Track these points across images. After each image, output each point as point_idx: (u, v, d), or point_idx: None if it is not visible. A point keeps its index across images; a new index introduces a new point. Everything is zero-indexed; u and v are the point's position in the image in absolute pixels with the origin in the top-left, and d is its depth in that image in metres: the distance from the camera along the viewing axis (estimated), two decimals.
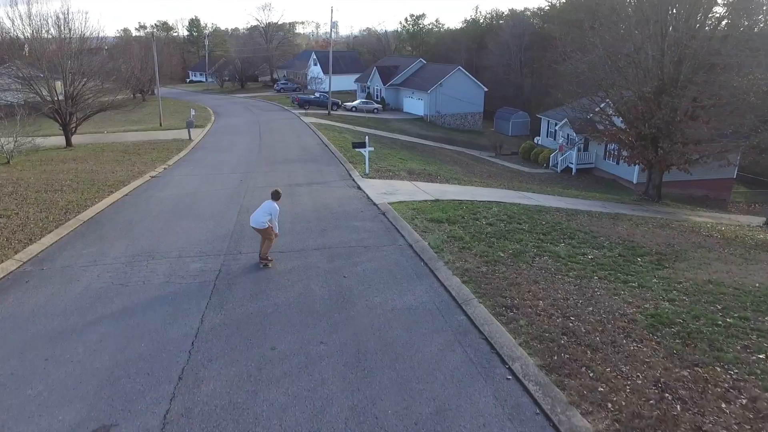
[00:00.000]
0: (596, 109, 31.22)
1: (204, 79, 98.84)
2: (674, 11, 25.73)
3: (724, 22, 26.53)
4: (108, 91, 34.73)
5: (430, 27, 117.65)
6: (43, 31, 29.18)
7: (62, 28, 28.80)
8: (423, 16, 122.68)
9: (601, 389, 6.24)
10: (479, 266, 10.30)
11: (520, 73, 77.62)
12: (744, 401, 6.03)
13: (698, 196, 37.72)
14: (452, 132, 61.31)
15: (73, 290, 9.41)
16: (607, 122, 29.75)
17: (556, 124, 47.54)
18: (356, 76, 78.62)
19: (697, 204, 34.01)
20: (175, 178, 20.79)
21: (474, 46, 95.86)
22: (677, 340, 7.44)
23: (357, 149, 22.10)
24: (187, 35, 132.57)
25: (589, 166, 42.75)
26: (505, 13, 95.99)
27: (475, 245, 11.87)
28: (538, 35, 75.53)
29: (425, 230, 13.12)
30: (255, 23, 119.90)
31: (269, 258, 10.90)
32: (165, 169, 23.45)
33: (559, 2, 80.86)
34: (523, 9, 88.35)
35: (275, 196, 10.92)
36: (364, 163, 23.47)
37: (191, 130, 35.06)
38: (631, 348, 7.20)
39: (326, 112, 55.03)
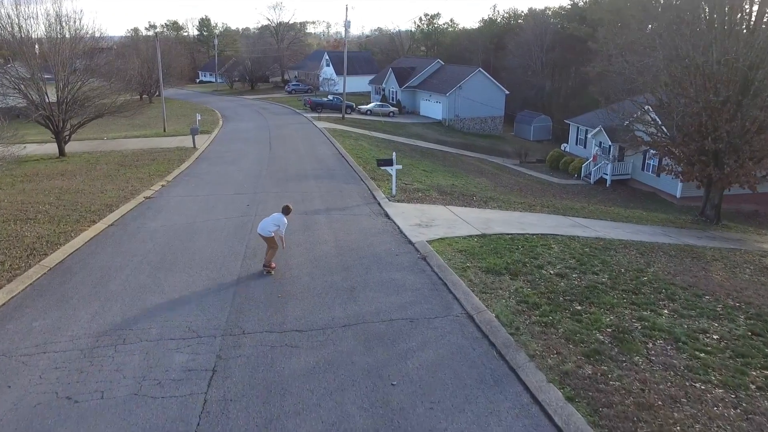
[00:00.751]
0: (643, 118, 27.97)
1: (214, 80, 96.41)
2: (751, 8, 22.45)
3: None
4: (107, 93, 32.04)
5: (445, 27, 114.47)
6: (40, 29, 26.50)
7: (53, 24, 26.08)
8: (438, 15, 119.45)
9: None
10: (580, 365, 7.26)
11: (541, 75, 74.22)
12: None
13: (747, 212, 34.32)
14: (472, 137, 58.19)
15: None
16: (658, 133, 26.49)
17: (587, 131, 44.26)
18: (370, 77, 75.65)
19: (753, 222, 30.67)
20: (171, 201, 17.89)
21: (491, 46, 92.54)
22: None
23: (383, 168, 19.07)
24: (198, 35, 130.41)
25: (624, 177, 39.46)
26: (524, 13, 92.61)
27: (558, 317, 8.84)
28: (562, 35, 72.08)
29: (485, 289, 10.10)
30: (266, 23, 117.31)
31: (273, 265, 11.28)
32: (162, 187, 20.58)
33: (583, 1, 77.40)
34: (543, 8, 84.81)
35: (286, 211, 11.43)
36: (390, 182, 20.51)
37: (195, 137, 32.23)
38: None
39: (340, 115, 52.12)
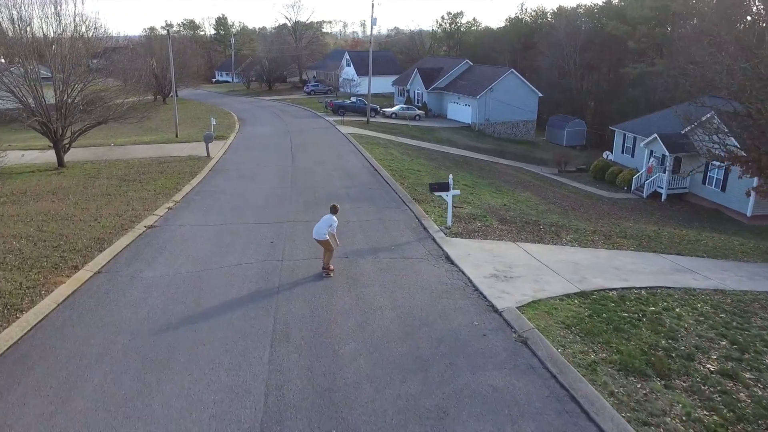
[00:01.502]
0: (711, 125, 24.11)
1: (230, 79, 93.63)
2: None
3: None
4: (112, 95, 28.94)
5: (468, 26, 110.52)
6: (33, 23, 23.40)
7: (50, 18, 22.95)
8: (461, 14, 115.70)
9: None
10: None
11: (573, 77, 70.06)
12: None
13: None
14: (504, 142, 54.43)
15: None
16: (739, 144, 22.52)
17: (635, 139, 40.28)
18: (392, 78, 72.13)
19: None
20: (177, 233, 14.53)
21: (519, 46, 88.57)
22: None
23: (437, 193, 15.49)
24: (214, 34, 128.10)
25: (682, 191, 35.48)
26: (552, 11, 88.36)
27: None
28: (597, 34, 67.78)
29: (641, 412, 6.55)
30: (283, 21, 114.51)
31: (331, 267, 11.44)
32: (169, 210, 17.26)
33: None
34: (575, 6, 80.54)
35: (334, 210, 11.85)
36: (441, 208, 17.03)
37: (210, 145, 28.97)
38: None
39: (364, 119, 48.66)
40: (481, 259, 12.84)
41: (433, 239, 14.34)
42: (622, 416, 6.57)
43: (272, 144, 33.64)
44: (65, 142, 25.01)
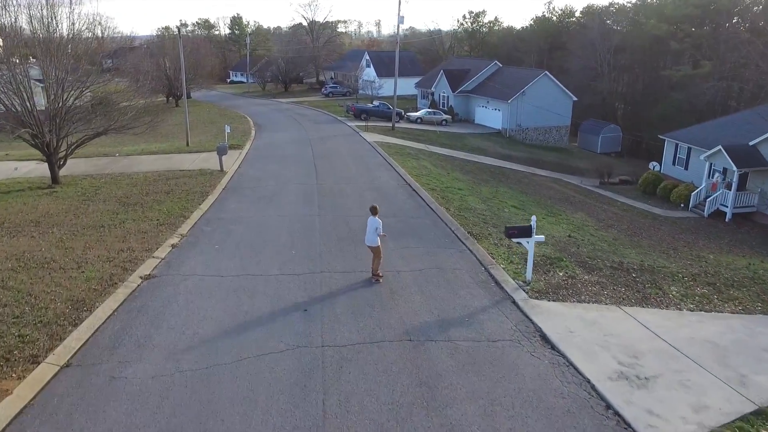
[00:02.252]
0: None
1: (245, 80, 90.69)
2: None
3: None
4: (121, 97, 25.96)
5: (490, 25, 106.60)
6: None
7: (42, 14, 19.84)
8: (483, 12, 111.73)
9: None
10: None
11: (607, 79, 66.00)
12: None
13: None
14: (536, 150, 50.76)
15: None
16: None
17: (689, 149, 36.42)
18: (414, 79, 68.66)
19: None
20: (180, 292, 11.24)
21: (546, 46, 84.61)
22: None
23: (515, 239, 11.98)
24: (229, 33, 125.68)
25: (749, 209, 31.62)
26: (582, 10, 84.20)
27: None
28: (634, 35, 63.62)
29: None
30: (300, 20, 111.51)
31: (380, 273, 11.92)
32: (173, 249, 14.01)
33: None
34: (607, 4, 76.37)
35: (375, 211, 12.02)
36: (506, 245, 13.62)
37: (223, 157, 25.79)
38: None
39: (388, 124, 45.25)
40: (590, 340, 9.39)
41: (515, 303, 10.90)
42: None
43: (292, 154, 30.37)
44: (60, 155, 21.91)
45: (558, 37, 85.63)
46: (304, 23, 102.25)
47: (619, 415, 7.22)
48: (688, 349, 9.36)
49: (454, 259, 13.52)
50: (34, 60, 21.64)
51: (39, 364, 8.04)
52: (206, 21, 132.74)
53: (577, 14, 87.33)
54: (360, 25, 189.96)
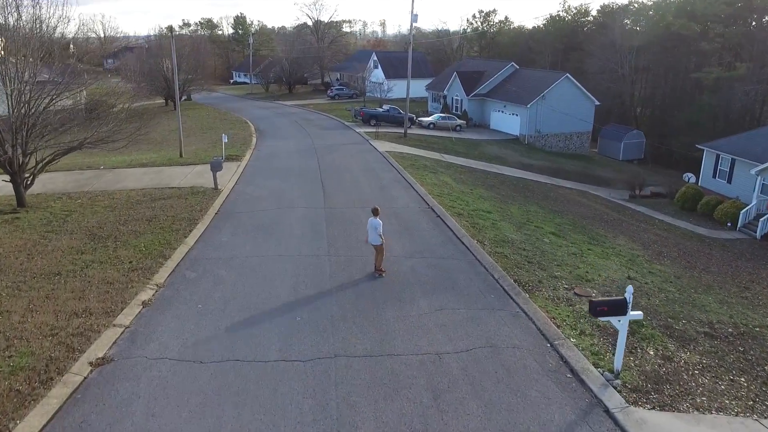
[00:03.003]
0: None
1: (248, 81, 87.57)
2: None
3: None
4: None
5: (501, 25, 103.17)
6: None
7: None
8: (494, 12, 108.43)
9: None
10: None
11: (628, 82, 62.55)
12: None
13: None
14: (557, 158, 47.48)
15: None
16: None
17: (732, 161, 33.06)
18: (424, 81, 65.36)
19: None
20: (141, 389, 8.07)
21: (560, 47, 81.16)
22: None
23: (602, 318, 8.65)
24: (232, 33, 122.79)
25: None
26: (599, 8, 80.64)
27: None
28: (659, 34, 60.08)
29: None
30: (305, 20, 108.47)
31: (383, 269, 12.78)
32: (142, 311, 10.86)
33: None
34: (627, 2, 72.78)
35: (376, 212, 12.99)
36: (566, 303, 10.47)
37: (218, 173, 22.65)
38: None
39: (399, 130, 42.04)
40: None
41: (609, 414, 7.67)
42: None
43: (296, 168, 27.19)
44: (27, 175, 18.79)
45: (573, 38, 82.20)
46: (309, 23, 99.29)
47: None
48: None
49: (509, 329, 10.30)
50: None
51: None
52: (209, 21, 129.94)
53: (593, 13, 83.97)
54: (365, 24, 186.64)
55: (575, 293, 12.98)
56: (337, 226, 17.02)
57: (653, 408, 7.92)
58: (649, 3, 67.43)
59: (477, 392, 8.12)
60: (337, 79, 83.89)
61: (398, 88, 62.53)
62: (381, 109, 47.54)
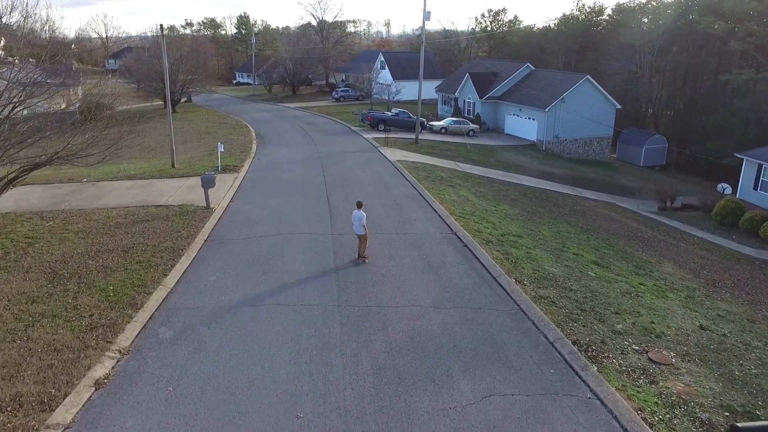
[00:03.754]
0: None
1: (252, 81, 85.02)
2: None
3: None
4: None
5: (511, 24, 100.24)
6: None
7: None
8: (504, 11, 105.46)
9: None
10: None
11: (647, 83, 59.56)
12: None
13: None
14: (577, 165, 44.63)
15: None
16: None
17: None
18: (434, 82, 62.50)
19: None
20: None
21: (575, 47, 78.21)
22: None
23: None
24: (236, 33, 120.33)
25: None
26: (614, 6, 77.51)
27: None
28: (683, 34, 57.04)
29: None
30: (309, 19, 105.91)
31: (366, 255, 13.92)
32: (96, 391, 8.21)
33: None
34: (645, 1, 69.66)
35: (360, 206, 14.01)
36: (643, 382, 7.66)
37: (210, 190, 19.95)
38: None
39: (408, 136, 39.34)
40: None
41: None
42: None
43: (299, 181, 24.49)
44: None
45: (587, 38, 79.27)
46: (314, 22, 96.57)
47: None
48: None
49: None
50: None
51: None
52: (212, 20, 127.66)
53: (608, 12, 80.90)
54: (369, 25, 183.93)
55: (650, 359, 10.25)
56: (348, 261, 14.28)
57: None
58: (669, 0, 64.37)
59: None
60: (343, 80, 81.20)
61: (407, 90, 59.77)
62: (390, 113, 44.79)
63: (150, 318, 10.95)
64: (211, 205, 19.76)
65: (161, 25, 24.61)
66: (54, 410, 7.72)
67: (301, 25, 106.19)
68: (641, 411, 8.11)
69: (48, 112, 19.33)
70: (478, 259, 14.75)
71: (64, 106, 23.88)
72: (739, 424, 5.41)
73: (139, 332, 10.30)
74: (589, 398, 8.45)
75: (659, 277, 18.05)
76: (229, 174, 25.76)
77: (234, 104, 65.73)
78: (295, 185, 23.63)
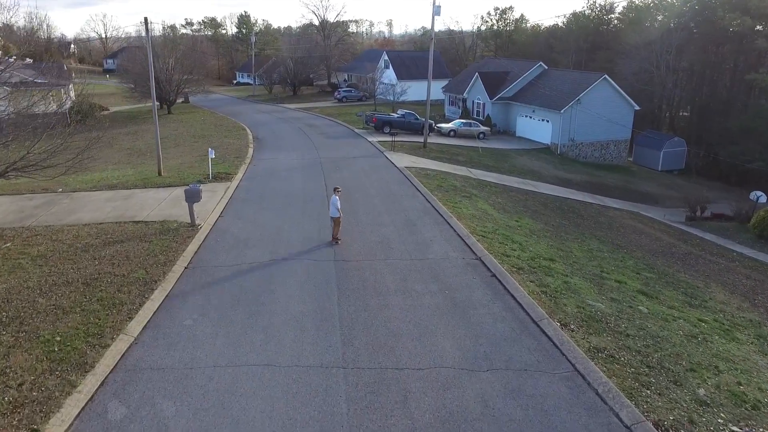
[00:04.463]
0: None
1: (252, 81, 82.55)
2: None
3: None
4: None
5: (518, 23, 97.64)
6: None
7: None
8: (511, 9, 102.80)
9: None
10: None
11: (665, 83, 56.89)
12: None
13: None
14: (594, 170, 42.05)
15: None
16: None
17: None
18: (440, 82, 59.86)
19: None
20: None
21: (585, 46, 75.63)
22: None
23: None
24: (236, 32, 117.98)
25: None
26: (623, 5, 74.86)
27: None
28: (703, 31, 54.32)
29: None
30: (311, 17, 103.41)
31: (339, 237, 15.15)
32: None
33: None
34: None
35: (336, 191, 15.26)
36: None
37: (195, 204, 17.41)
38: None
39: (415, 139, 36.80)
40: None
41: None
42: None
43: (298, 192, 21.97)
44: None
45: (598, 36, 76.70)
46: (316, 21, 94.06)
47: None
48: None
49: None
50: None
51: None
52: (212, 19, 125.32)
53: (620, 9, 78.27)
54: (371, 24, 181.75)
55: None
56: (355, 300, 11.74)
57: None
58: None
59: None
60: (345, 80, 78.69)
61: (412, 90, 57.27)
62: (396, 115, 42.23)
63: (101, 385, 8.44)
64: (197, 222, 17.26)
65: (146, 18, 22.15)
66: None
67: (303, 25, 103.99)
68: None
69: (30, 113, 16.89)
70: (512, 295, 12.19)
71: (54, 107, 21.47)
72: None
73: (81, 410, 7.79)
74: None
75: (715, 308, 15.51)
76: (221, 183, 23.26)
77: (233, 105, 63.25)
78: (294, 197, 21.09)
